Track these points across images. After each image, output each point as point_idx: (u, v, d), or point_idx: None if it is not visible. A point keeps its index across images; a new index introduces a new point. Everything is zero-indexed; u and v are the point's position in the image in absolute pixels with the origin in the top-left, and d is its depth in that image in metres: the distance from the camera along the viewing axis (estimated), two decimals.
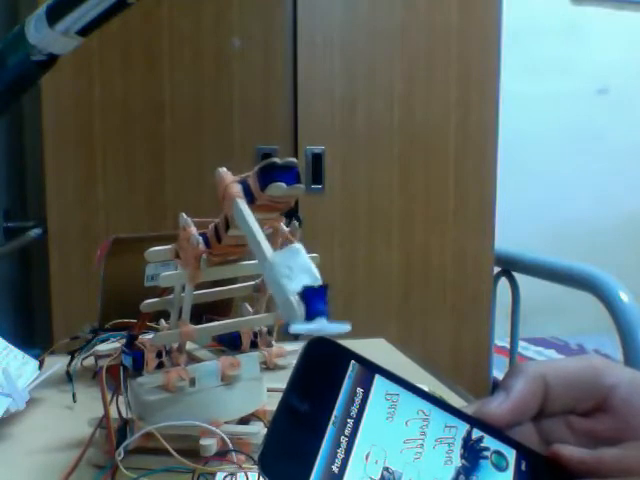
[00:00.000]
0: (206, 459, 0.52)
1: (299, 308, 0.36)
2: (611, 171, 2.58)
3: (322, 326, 0.35)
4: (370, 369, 0.29)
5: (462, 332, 1.79)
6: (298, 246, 0.40)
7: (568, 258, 1.73)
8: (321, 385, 0.27)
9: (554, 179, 2.54)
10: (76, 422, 0.63)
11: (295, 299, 0.36)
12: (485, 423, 0.29)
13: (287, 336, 0.37)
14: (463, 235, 1.76)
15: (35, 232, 1.65)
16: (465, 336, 1.79)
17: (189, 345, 0.60)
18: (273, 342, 0.63)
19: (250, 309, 0.62)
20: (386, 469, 0.26)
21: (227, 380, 0.56)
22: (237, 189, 0.47)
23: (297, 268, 0.38)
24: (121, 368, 0.56)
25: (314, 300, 0.36)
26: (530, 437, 0.30)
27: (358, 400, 0.27)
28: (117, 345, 0.72)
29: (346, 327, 0.35)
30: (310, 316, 0.36)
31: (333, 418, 0.26)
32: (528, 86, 2.44)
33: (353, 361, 0.29)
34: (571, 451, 0.28)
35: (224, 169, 0.48)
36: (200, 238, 0.52)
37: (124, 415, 0.56)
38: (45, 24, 0.57)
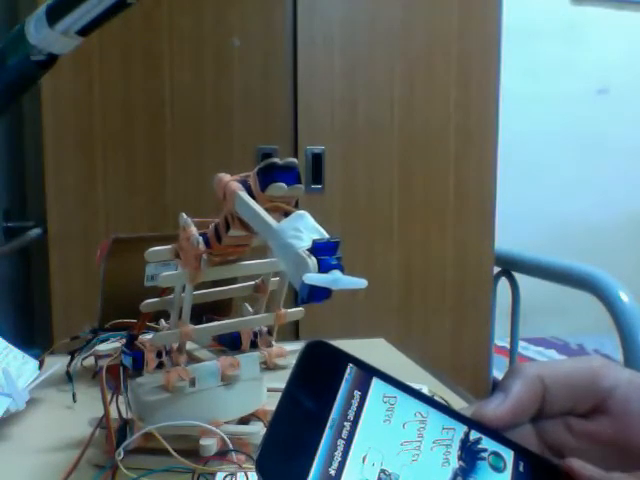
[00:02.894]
0: (206, 459, 0.52)
1: (311, 261, 0.35)
2: (611, 171, 2.58)
3: (336, 277, 0.35)
4: (368, 372, 0.29)
5: (462, 332, 1.79)
6: (302, 212, 0.40)
7: (568, 258, 1.73)
8: (319, 388, 0.27)
9: (554, 179, 2.54)
10: (76, 422, 0.63)
11: (306, 253, 0.35)
12: (483, 425, 0.29)
13: (302, 304, 0.36)
14: (463, 235, 1.76)
15: (35, 232, 1.65)
16: (465, 336, 1.79)
17: (189, 345, 0.60)
18: (273, 342, 0.63)
19: (250, 309, 0.62)
20: (383, 471, 0.26)
21: (227, 380, 0.56)
22: (237, 184, 0.47)
23: (304, 229, 0.37)
24: (121, 368, 0.56)
25: (325, 253, 0.36)
26: (528, 438, 0.30)
27: (355, 403, 0.27)
28: (117, 345, 0.72)
29: (362, 282, 0.34)
30: (323, 268, 0.35)
31: (330, 421, 0.26)
32: (528, 86, 2.44)
33: (351, 364, 0.29)
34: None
35: (222, 173, 0.49)
36: (200, 238, 0.52)
37: (124, 415, 0.56)
38: (45, 24, 0.57)
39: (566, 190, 2.55)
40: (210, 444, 0.53)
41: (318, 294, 0.35)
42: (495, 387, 0.31)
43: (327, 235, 0.38)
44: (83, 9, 0.56)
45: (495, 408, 0.29)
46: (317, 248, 0.36)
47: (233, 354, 0.59)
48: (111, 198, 1.53)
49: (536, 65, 2.47)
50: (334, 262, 0.36)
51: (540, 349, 2.31)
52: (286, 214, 0.49)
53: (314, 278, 0.34)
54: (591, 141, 2.56)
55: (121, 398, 0.56)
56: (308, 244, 0.36)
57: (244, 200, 0.45)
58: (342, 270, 0.36)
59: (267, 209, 0.45)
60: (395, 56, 1.67)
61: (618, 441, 0.29)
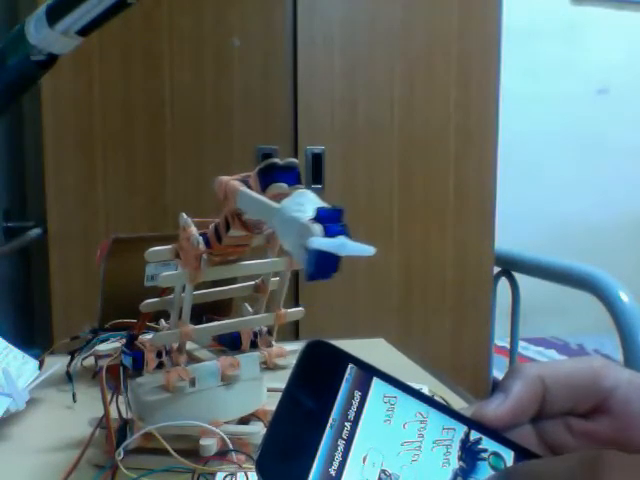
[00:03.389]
0: (206, 459, 0.52)
1: (316, 227, 0.34)
2: (611, 171, 2.58)
3: (343, 243, 0.34)
4: (368, 372, 0.29)
5: (462, 332, 1.79)
6: (304, 189, 0.40)
7: (568, 258, 1.73)
8: (319, 388, 0.27)
9: (554, 179, 2.54)
10: (76, 422, 0.63)
11: (310, 221, 0.34)
12: (483, 425, 0.29)
13: (309, 280, 0.34)
14: (463, 235, 1.76)
15: (35, 232, 1.65)
16: (465, 336, 1.79)
17: (189, 345, 0.60)
18: (273, 342, 0.63)
19: (250, 309, 0.62)
20: (383, 471, 0.26)
21: (227, 380, 0.56)
22: (238, 182, 0.47)
23: (307, 203, 0.37)
24: (121, 368, 0.56)
25: (331, 219, 0.35)
26: (529, 439, 0.30)
27: (356, 403, 0.27)
28: (117, 345, 0.72)
29: (370, 249, 0.33)
30: (329, 234, 0.34)
31: (331, 421, 0.26)
32: (528, 86, 2.44)
33: (351, 364, 0.29)
34: None
35: (222, 176, 0.49)
36: (200, 238, 0.52)
37: (124, 415, 0.56)
38: (45, 24, 0.57)
39: (566, 190, 2.55)
40: (210, 444, 0.53)
41: (325, 266, 0.34)
42: (495, 387, 0.31)
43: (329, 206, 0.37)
44: (83, 9, 0.56)
45: (495, 408, 0.29)
46: (322, 216, 0.35)
47: (233, 354, 0.59)
48: (111, 198, 1.53)
49: (536, 65, 2.47)
50: (339, 227, 0.35)
51: (540, 349, 2.31)
52: None
53: (320, 242, 0.33)
54: (591, 141, 2.56)
55: (121, 398, 0.56)
56: (312, 214, 0.35)
57: (246, 193, 0.45)
58: (348, 237, 0.35)
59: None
60: (395, 56, 1.67)
61: (618, 441, 0.29)
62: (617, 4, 2.56)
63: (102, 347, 0.74)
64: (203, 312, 0.70)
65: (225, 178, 0.48)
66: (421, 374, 0.84)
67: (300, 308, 0.63)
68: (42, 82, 1.44)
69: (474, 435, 0.28)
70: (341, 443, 0.26)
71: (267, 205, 0.42)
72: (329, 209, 0.36)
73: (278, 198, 0.44)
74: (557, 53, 2.49)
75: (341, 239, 0.34)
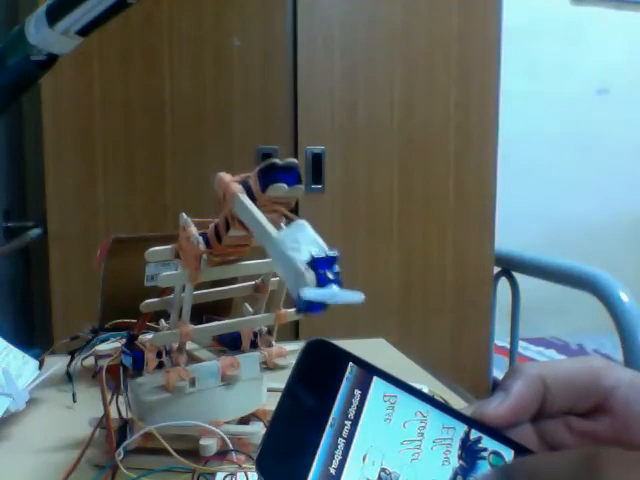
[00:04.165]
0: (206, 459, 0.52)
1: (309, 275, 0.35)
2: (611, 171, 2.59)
3: (334, 293, 0.35)
4: (368, 371, 0.29)
5: (462, 332, 1.79)
6: (303, 221, 0.40)
7: (568, 258, 1.73)
8: (319, 387, 0.28)
9: (554, 179, 2.54)
10: (76, 422, 0.63)
11: (304, 267, 0.36)
12: (484, 424, 0.29)
13: (298, 313, 0.36)
14: (463, 235, 1.76)
15: (35, 232, 1.65)
16: (465, 336, 1.79)
17: (189, 345, 0.60)
18: (273, 342, 0.63)
19: (250, 309, 0.62)
20: (383, 470, 0.26)
21: (227, 380, 0.56)
22: (238, 186, 0.47)
23: (304, 241, 0.38)
24: (121, 368, 0.56)
25: (324, 267, 0.36)
26: (529, 438, 0.30)
27: (356, 402, 0.27)
28: (117, 345, 0.72)
29: (359, 296, 0.34)
30: (321, 283, 0.35)
31: (331, 420, 0.27)
32: (528, 86, 2.44)
33: (351, 363, 0.29)
34: None
35: (223, 173, 0.49)
36: (200, 238, 0.52)
37: (124, 415, 0.56)
38: (45, 24, 0.57)
39: (566, 190, 2.55)
40: (210, 444, 0.53)
41: (315, 306, 0.36)
42: (495, 387, 0.31)
43: (326, 248, 0.38)
44: (83, 9, 0.56)
45: (496, 407, 0.29)
46: (316, 262, 0.36)
47: (233, 354, 0.59)
48: (111, 198, 1.53)
49: (536, 65, 2.48)
50: (332, 277, 0.36)
51: (540, 349, 2.31)
52: (285, 217, 0.49)
53: (311, 293, 0.35)
54: (591, 141, 2.56)
55: (121, 398, 0.56)
56: (307, 257, 0.36)
57: (244, 204, 0.45)
58: (340, 284, 0.36)
59: (266, 212, 0.45)
60: (395, 56, 1.67)
61: (618, 441, 0.29)
62: (617, 4, 2.56)
63: (102, 347, 0.74)
64: (203, 312, 0.70)
65: (226, 178, 0.48)
66: (421, 374, 0.84)
67: None
68: (42, 82, 1.44)
69: (474, 434, 0.28)
70: (341, 442, 0.26)
71: (263, 228, 0.42)
72: (323, 255, 0.37)
73: (276, 217, 0.45)
74: (557, 53, 2.49)
75: (332, 290, 0.35)
